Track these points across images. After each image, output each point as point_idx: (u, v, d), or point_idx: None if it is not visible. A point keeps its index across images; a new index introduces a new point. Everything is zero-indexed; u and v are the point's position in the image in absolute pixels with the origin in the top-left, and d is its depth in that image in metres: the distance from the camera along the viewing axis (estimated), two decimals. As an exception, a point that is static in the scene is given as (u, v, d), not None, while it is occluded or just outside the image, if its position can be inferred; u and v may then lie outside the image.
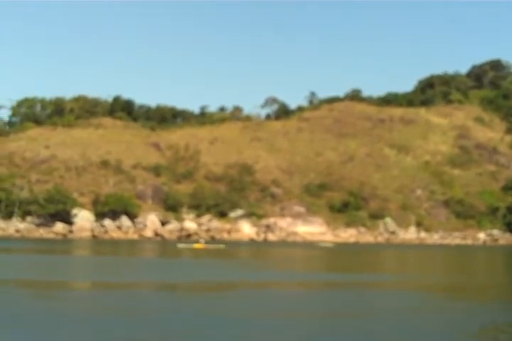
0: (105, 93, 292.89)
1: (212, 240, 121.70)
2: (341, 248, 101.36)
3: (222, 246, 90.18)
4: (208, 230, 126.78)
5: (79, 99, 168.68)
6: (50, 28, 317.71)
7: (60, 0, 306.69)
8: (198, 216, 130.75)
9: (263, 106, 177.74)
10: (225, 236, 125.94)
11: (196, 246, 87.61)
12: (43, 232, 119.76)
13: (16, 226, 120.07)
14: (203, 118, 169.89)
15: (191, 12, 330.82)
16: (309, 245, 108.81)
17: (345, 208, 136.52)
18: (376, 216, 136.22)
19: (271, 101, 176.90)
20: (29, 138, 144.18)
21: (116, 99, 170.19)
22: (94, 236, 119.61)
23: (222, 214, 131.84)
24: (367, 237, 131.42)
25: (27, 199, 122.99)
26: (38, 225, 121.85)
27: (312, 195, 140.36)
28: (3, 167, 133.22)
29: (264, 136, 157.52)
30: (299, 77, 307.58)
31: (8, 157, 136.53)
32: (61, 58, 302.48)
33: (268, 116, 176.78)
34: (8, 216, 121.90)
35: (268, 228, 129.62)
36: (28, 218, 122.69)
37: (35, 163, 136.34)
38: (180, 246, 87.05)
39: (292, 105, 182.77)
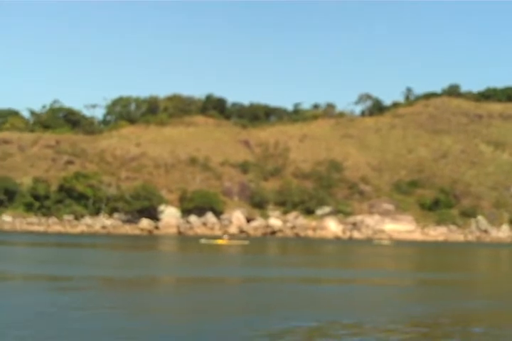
0: (198, 91, 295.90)
1: (297, 237, 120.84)
2: (420, 246, 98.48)
3: (245, 241, 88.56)
4: (293, 227, 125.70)
5: (173, 98, 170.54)
6: (144, 28, 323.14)
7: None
8: (284, 213, 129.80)
9: (357, 102, 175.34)
10: (310, 233, 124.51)
11: (219, 241, 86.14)
12: (128, 228, 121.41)
13: (102, 222, 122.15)
14: (295, 115, 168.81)
15: (288, 10, 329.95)
16: (367, 243, 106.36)
17: (436, 206, 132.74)
18: (468, 214, 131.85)
19: (365, 97, 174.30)
20: (121, 137, 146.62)
21: (209, 98, 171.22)
22: (179, 233, 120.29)
23: (309, 212, 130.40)
24: (456, 236, 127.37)
25: (114, 196, 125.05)
26: (125, 221, 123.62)
27: (402, 193, 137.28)
28: (94, 164, 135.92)
29: (355, 133, 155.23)
30: (395, 72, 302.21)
31: (100, 155, 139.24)
32: (155, 57, 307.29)
33: (362, 113, 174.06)
34: (96, 212, 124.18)
35: (354, 226, 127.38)
36: (115, 214, 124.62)
37: (126, 160, 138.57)
38: (203, 241, 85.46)
39: (387, 101, 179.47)
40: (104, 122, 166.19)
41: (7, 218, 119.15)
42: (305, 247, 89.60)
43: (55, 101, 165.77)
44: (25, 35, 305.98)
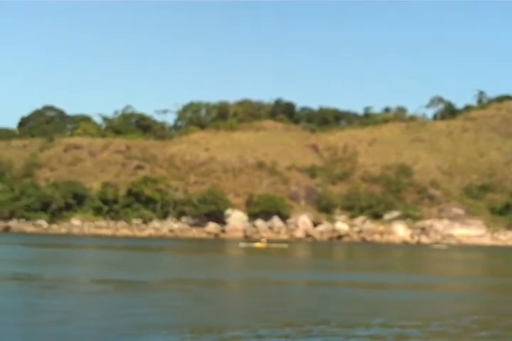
0: (268, 96, 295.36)
1: (363, 241, 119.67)
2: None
3: (284, 245, 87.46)
4: (360, 232, 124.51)
5: (243, 103, 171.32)
6: (213, 34, 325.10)
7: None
8: (351, 217, 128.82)
9: (428, 106, 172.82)
10: (377, 238, 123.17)
11: (257, 245, 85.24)
12: (195, 232, 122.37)
13: (170, 226, 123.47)
14: (366, 119, 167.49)
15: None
16: (426, 247, 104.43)
17: (507, 210, 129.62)
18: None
19: (436, 100, 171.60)
20: (190, 142, 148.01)
21: (278, 102, 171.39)
22: (246, 237, 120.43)
23: (376, 216, 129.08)
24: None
25: (181, 200, 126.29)
26: (192, 225, 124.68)
27: (472, 197, 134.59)
28: (164, 169, 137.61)
29: (425, 137, 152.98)
30: (467, 75, 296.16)
31: (169, 160, 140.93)
32: (225, 63, 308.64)
33: (434, 116, 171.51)
34: (164, 216, 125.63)
35: (423, 230, 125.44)
36: (183, 218, 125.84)
37: (194, 165, 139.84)
38: (242, 245, 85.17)
39: (459, 104, 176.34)
40: (175, 127, 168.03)
41: (76, 222, 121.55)
42: (371, 251, 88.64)
43: (127, 107, 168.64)
44: (100, 43, 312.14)
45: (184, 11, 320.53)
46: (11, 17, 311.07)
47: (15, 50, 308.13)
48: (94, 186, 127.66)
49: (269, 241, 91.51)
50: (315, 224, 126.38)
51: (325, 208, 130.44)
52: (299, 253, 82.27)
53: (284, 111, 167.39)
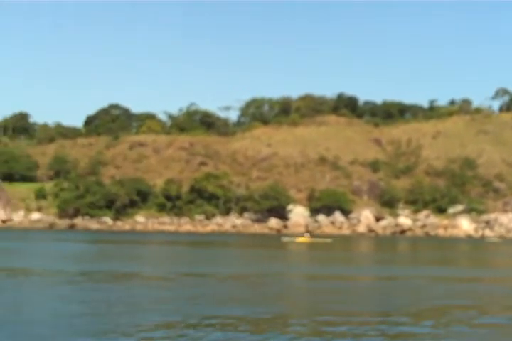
0: (330, 91, 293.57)
1: (427, 236, 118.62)
2: None
3: (328, 239, 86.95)
4: (423, 226, 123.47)
5: (305, 98, 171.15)
6: (276, 30, 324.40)
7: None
8: (415, 212, 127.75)
9: (493, 98, 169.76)
10: (441, 232, 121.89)
11: (300, 239, 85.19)
12: (257, 228, 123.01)
13: (232, 221, 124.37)
14: (430, 112, 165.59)
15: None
16: (476, 241, 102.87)
17: None
18: None
19: (501, 92, 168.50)
20: (253, 137, 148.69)
21: (340, 97, 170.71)
22: (308, 232, 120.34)
23: (440, 210, 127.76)
24: None
25: (244, 196, 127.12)
26: (255, 221, 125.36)
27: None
28: (226, 165, 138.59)
29: (490, 129, 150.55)
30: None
31: (232, 156, 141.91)
32: (285, 58, 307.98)
33: (500, 109, 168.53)
34: (226, 212, 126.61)
35: (487, 224, 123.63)
36: (245, 214, 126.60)
37: (257, 160, 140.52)
38: (285, 239, 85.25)
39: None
40: (238, 124, 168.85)
41: (140, 218, 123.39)
42: (436, 246, 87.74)
43: (191, 104, 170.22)
44: (164, 42, 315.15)
45: (247, 8, 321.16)
46: (74, 19, 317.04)
47: (81, 50, 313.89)
48: (158, 183, 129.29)
49: (312, 235, 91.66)
50: (377, 219, 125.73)
51: (388, 202, 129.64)
52: (360, 248, 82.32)
53: (346, 106, 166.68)
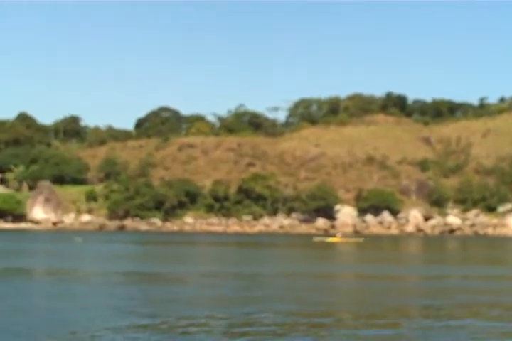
0: (379, 90, 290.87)
1: (476, 235, 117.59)
2: None
3: (360, 239, 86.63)
4: (472, 225, 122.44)
5: (354, 97, 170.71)
6: (315, 30, 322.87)
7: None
8: (464, 211, 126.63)
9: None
10: (490, 231, 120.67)
11: (332, 239, 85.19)
12: (305, 228, 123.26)
13: (280, 222, 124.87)
14: (480, 110, 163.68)
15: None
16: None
17: None
18: None
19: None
20: (301, 138, 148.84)
21: (389, 95, 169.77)
22: (355, 232, 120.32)
23: (490, 209, 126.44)
24: None
25: (291, 196, 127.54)
26: (302, 221, 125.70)
27: None
28: (274, 166, 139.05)
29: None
30: None
31: (280, 156, 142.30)
32: (333, 58, 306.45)
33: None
34: (274, 212, 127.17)
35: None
36: (293, 214, 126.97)
37: (305, 161, 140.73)
38: (317, 239, 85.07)
39: None
40: (287, 124, 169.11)
41: (189, 219, 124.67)
42: (486, 245, 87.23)
43: (240, 106, 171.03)
44: (212, 44, 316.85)
45: (289, 8, 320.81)
46: (121, 21, 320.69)
47: (131, 53, 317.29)
48: (206, 184, 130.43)
49: (344, 235, 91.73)
50: (426, 219, 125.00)
51: (436, 202, 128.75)
52: (408, 247, 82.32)
53: (395, 104, 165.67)
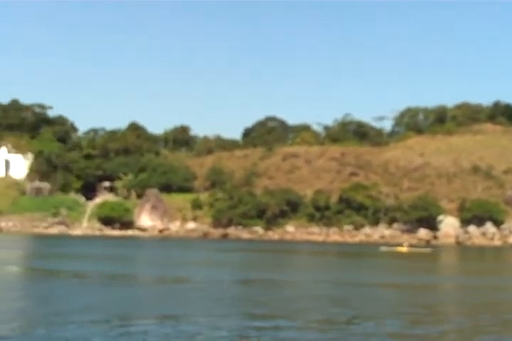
0: (488, 99, 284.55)
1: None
2: None
3: (428, 249, 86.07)
4: None
5: (461, 106, 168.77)
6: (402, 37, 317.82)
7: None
8: None
9: None
10: None
11: (399, 249, 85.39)
12: (406, 238, 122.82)
13: (381, 232, 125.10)
14: None
15: None
16: None
17: None
18: None
19: None
20: (406, 147, 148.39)
21: (497, 104, 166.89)
22: (458, 243, 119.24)
23: None
24: None
25: (392, 206, 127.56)
26: (404, 231, 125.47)
27: None
28: (378, 175, 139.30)
29: None
30: None
31: (383, 165, 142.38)
32: (438, 66, 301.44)
33: None
34: (375, 222, 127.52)
35: None
36: (395, 224, 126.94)
37: (408, 170, 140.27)
38: (383, 249, 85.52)
39: None
40: (392, 133, 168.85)
41: (290, 228, 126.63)
42: None
43: (346, 115, 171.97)
44: (317, 55, 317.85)
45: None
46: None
47: (240, 65, 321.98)
48: (308, 193, 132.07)
49: (411, 245, 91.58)
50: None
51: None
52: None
53: (503, 113, 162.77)
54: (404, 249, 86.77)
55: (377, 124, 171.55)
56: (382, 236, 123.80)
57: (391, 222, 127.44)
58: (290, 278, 44.23)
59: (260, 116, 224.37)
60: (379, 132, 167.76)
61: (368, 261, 68.54)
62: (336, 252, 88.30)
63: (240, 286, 38.97)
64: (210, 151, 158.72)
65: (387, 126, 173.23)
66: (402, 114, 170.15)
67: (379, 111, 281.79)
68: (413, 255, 78.98)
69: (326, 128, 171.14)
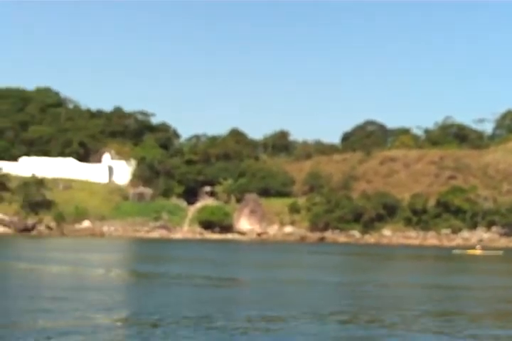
0: None
1: None
2: None
3: (499, 252, 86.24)
4: None
5: None
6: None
7: None
8: None
9: None
10: None
11: (471, 252, 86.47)
12: (504, 242, 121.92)
13: (479, 235, 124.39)
14: None
15: None
16: None
17: None
18: None
19: None
20: (506, 150, 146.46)
21: None
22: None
23: None
24: None
25: (491, 209, 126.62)
26: (502, 235, 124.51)
27: None
28: (477, 178, 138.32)
29: None
30: None
31: (483, 169, 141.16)
32: None
33: None
34: (473, 226, 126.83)
35: None
36: (493, 228, 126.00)
37: (508, 173, 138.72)
38: (456, 252, 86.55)
39: None
40: (493, 136, 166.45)
41: (387, 232, 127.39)
42: None
43: (447, 118, 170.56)
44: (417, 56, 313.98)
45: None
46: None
47: (333, 67, 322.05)
48: (405, 197, 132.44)
49: (484, 248, 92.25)
50: None
51: None
52: None
53: None
54: (477, 252, 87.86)
55: (478, 127, 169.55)
56: (480, 240, 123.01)
57: (489, 225, 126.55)
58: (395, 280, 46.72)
59: (360, 120, 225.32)
60: (479, 135, 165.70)
61: (464, 265, 69.20)
62: (432, 256, 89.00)
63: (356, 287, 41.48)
64: (308, 156, 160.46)
65: (488, 128, 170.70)
66: (503, 117, 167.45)
67: (480, 114, 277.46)
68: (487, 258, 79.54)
69: (426, 131, 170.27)
